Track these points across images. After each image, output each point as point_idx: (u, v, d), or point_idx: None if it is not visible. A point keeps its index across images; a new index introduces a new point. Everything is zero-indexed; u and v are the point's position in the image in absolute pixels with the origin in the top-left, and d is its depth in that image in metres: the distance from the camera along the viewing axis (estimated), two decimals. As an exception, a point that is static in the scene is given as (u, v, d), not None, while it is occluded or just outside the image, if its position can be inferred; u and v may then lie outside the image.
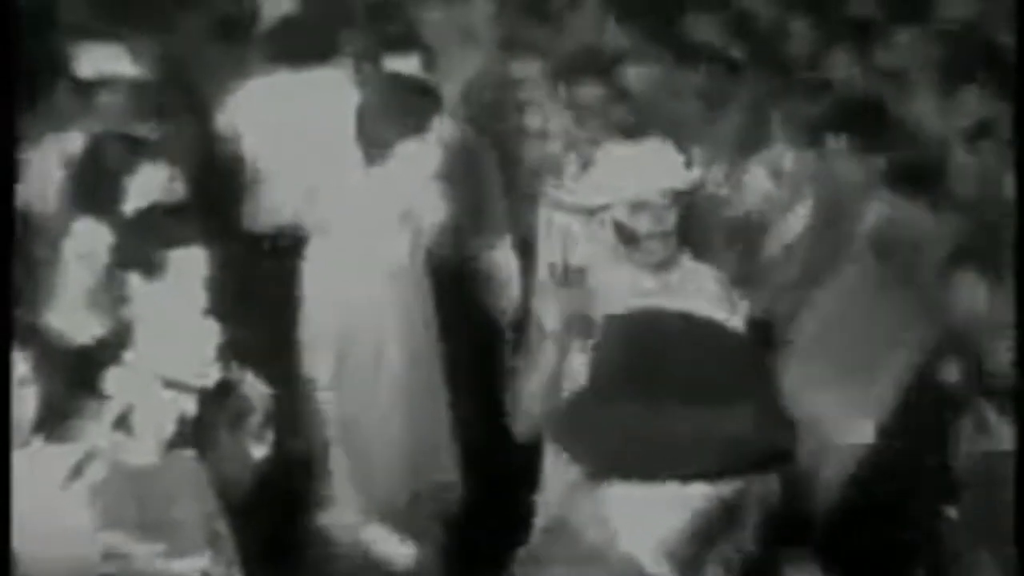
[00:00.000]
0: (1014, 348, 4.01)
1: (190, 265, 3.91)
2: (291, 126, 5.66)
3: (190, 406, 3.67)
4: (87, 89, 5.55)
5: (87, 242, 4.43)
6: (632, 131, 4.91)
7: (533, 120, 6.11)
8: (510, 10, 6.81)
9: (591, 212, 4.23)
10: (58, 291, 4.40)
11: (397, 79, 4.92)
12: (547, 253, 5.39)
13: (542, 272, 5.42)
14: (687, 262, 4.23)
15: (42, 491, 3.54)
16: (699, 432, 2.35)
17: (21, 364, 3.56)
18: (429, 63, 5.39)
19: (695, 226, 4.34)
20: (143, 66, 5.62)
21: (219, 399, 3.75)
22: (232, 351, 3.78)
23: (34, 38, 6.17)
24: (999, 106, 5.46)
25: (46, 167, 5.14)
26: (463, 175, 5.26)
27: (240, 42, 6.38)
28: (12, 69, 4.71)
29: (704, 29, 6.45)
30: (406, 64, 5.26)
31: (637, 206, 4.09)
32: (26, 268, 4.52)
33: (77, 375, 3.68)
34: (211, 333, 3.72)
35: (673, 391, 2.34)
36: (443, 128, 4.59)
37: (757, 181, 5.61)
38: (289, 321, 4.49)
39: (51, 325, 4.06)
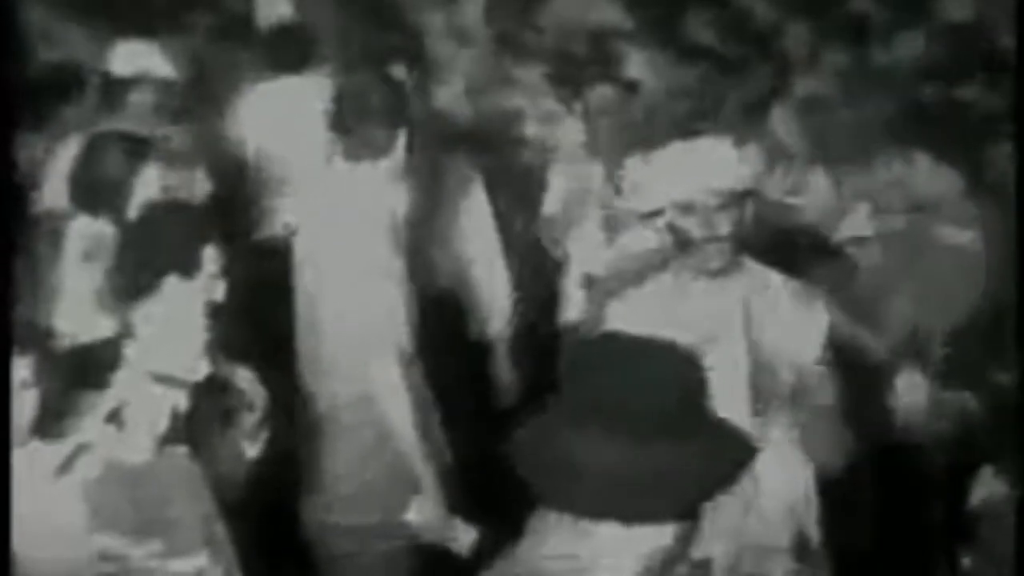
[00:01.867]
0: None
1: (213, 261, 3.94)
2: (293, 131, 5.70)
3: (182, 402, 3.68)
4: (112, 88, 5.61)
5: (92, 241, 4.46)
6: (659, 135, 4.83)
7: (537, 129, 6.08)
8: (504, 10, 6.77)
9: (644, 217, 4.05)
10: (61, 291, 4.44)
11: (370, 73, 4.97)
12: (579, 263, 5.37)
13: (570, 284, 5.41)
14: (753, 266, 4.07)
15: (38, 490, 3.57)
16: (659, 470, 2.35)
17: (22, 365, 3.59)
18: (424, 71, 5.40)
19: (757, 230, 4.09)
20: (168, 66, 5.67)
21: (211, 395, 3.77)
22: (224, 347, 3.81)
23: (51, 41, 6.24)
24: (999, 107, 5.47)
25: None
26: (450, 186, 5.27)
27: (243, 46, 6.42)
28: (12, 72, 4.77)
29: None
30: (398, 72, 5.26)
31: (687, 208, 3.93)
32: (30, 268, 4.55)
33: (79, 376, 3.70)
34: (204, 329, 3.74)
35: (632, 424, 2.34)
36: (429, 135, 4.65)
37: (818, 185, 5.48)
38: (289, 322, 4.56)
39: (53, 325, 4.09)
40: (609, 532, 2.40)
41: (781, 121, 5.82)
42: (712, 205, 3.91)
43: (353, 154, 4.60)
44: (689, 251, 3.95)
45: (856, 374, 4.26)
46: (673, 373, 2.43)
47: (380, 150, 4.59)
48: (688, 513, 2.43)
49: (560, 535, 2.44)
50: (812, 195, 5.46)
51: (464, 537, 4.44)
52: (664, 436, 2.37)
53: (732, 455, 2.46)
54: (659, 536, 2.41)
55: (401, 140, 4.61)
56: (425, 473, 4.52)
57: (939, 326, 4.92)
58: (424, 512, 4.45)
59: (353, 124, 4.59)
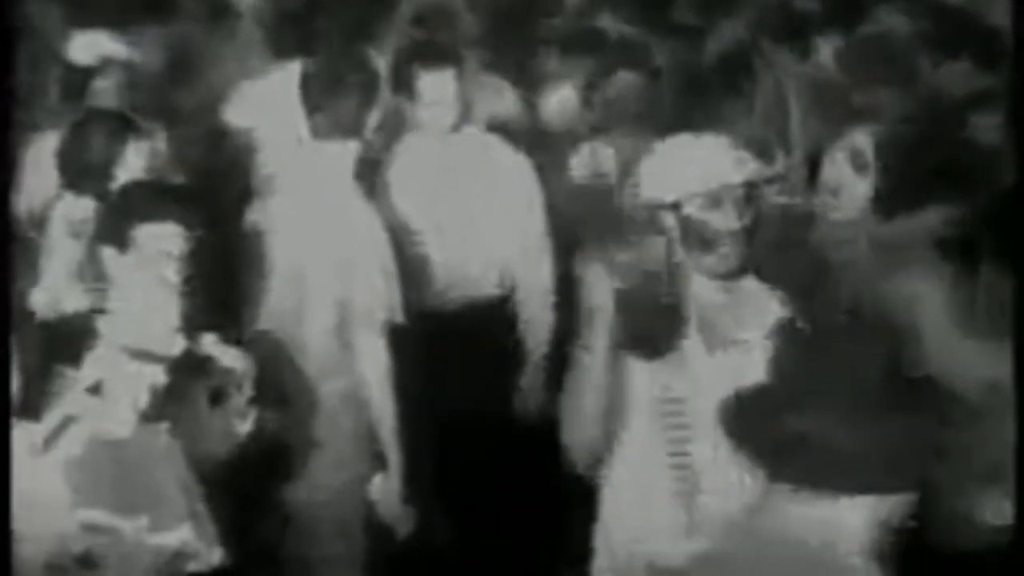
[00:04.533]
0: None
1: (162, 239, 3.94)
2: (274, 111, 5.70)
3: (160, 378, 3.69)
4: (84, 75, 5.60)
5: (69, 219, 4.47)
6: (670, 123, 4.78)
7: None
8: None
9: (663, 208, 3.80)
10: (43, 269, 4.44)
11: (340, 54, 5.00)
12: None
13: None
14: (750, 281, 3.86)
15: (25, 467, 3.58)
16: (889, 443, 2.39)
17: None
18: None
19: (763, 232, 3.89)
20: (141, 52, 5.67)
21: (190, 371, 3.77)
22: (206, 326, 3.82)
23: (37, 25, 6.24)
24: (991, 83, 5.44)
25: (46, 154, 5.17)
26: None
27: (223, 28, 6.43)
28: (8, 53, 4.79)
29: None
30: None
31: (706, 202, 3.75)
32: (19, 250, 4.56)
33: (57, 352, 3.70)
34: (179, 305, 3.75)
35: (854, 399, 2.38)
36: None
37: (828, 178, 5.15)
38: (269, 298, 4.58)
39: (35, 303, 4.10)
40: (842, 504, 2.45)
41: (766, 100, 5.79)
42: (734, 198, 3.76)
43: (324, 132, 4.65)
44: (705, 250, 3.77)
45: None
46: (875, 344, 2.50)
47: (351, 129, 4.64)
48: (917, 483, 2.49)
49: (793, 509, 2.49)
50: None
51: (405, 525, 4.52)
52: (888, 409, 2.44)
53: (951, 422, 2.52)
54: (889, 506, 2.46)
55: (374, 120, 4.66)
56: (392, 450, 4.56)
57: None
58: (383, 490, 4.51)
59: (325, 102, 4.64)
